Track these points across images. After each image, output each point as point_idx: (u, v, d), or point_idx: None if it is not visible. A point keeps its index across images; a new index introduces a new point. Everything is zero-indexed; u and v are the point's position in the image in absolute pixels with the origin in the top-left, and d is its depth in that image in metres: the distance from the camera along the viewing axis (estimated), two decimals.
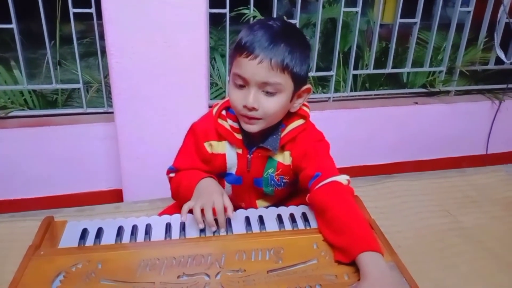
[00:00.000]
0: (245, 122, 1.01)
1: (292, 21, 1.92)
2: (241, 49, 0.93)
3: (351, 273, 0.81)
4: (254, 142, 1.06)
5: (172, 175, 1.14)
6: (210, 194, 0.97)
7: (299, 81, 0.98)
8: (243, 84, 0.96)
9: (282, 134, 1.06)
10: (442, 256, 1.63)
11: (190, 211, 0.94)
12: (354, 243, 0.82)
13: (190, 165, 1.10)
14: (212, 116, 1.09)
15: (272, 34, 0.93)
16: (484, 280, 1.51)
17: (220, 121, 1.08)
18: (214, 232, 0.94)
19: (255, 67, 0.92)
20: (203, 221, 0.92)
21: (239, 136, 1.07)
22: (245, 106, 0.96)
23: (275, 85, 0.95)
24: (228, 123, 1.07)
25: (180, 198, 1.08)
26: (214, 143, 1.09)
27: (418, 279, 0.81)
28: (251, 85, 0.94)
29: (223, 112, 1.09)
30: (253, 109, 0.96)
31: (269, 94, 0.96)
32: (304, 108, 1.08)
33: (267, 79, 0.93)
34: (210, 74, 2.18)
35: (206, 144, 1.09)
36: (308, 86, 1.02)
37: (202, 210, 0.92)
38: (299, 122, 1.07)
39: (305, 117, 1.07)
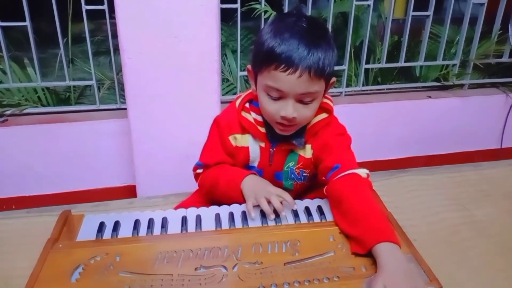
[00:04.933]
0: (280, 129, 1.01)
1: None
2: (276, 62, 0.90)
3: (368, 265, 0.81)
4: (277, 136, 1.05)
5: (199, 171, 1.14)
6: (265, 187, 1.00)
7: (330, 79, 0.98)
8: (280, 96, 0.94)
9: (307, 127, 1.06)
10: (456, 250, 1.62)
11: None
12: (370, 234, 0.82)
13: (217, 160, 1.10)
14: (235, 109, 1.08)
15: (306, 41, 0.89)
16: (497, 274, 1.50)
17: (243, 113, 1.07)
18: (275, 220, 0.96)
19: (294, 81, 0.90)
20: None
21: (262, 130, 1.07)
22: (283, 117, 0.96)
23: (314, 94, 0.94)
24: (252, 116, 1.07)
25: (217, 193, 1.08)
26: (238, 136, 1.09)
27: None
28: (289, 97, 0.93)
29: (247, 105, 1.08)
30: (293, 119, 0.96)
31: (306, 102, 0.95)
32: (328, 101, 1.07)
33: (307, 90, 0.92)
34: (222, 70, 2.18)
35: (230, 138, 1.09)
36: (334, 79, 1.01)
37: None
38: (322, 115, 1.06)
39: (329, 111, 1.07)
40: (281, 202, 0.96)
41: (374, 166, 2.24)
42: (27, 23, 1.73)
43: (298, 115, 0.95)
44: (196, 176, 1.16)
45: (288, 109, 0.94)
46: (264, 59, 0.93)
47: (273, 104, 0.96)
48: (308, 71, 0.89)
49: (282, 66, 0.89)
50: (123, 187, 2.01)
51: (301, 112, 0.96)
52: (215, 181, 1.08)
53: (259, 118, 1.06)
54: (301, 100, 0.94)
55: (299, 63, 0.88)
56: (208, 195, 1.13)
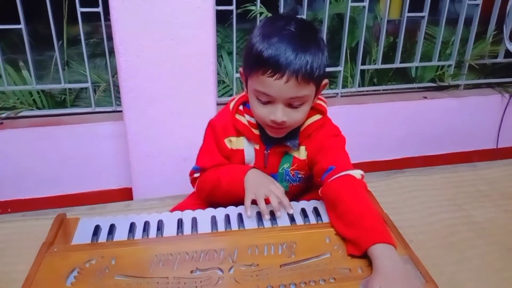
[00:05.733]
0: (271, 131, 1.01)
1: None
2: (264, 67, 0.89)
3: (364, 266, 0.81)
4: (271, 138, 1.05)
5: (197, 175, 1.13)
6: (267, 184, 0.99)
7: (320, 81, 0.97)
8: (269, 100, 0.94)
9: (301, 129, 1.06)
10: (454, 250, 1.62)
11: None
12: (366, 235, 0.82)
13: (215, 163, 1.10)
14: (229, 112, 1.08)
15: (294, 45, 0.88)
16: (497, 274, 1.50)
17: (237, 116, 1.07)
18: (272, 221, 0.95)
19: (281, 86, 0.90)
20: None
21: (256, 132, 1.06)
22: (273, 121, 0.95)
23: (303, 98, 0.94)
24: (245, 119, 1.07)
25: (219, 194, 1.07)
26: (233, 139, 1.09)
27: (430, 273, 0.80)
28: (278, 101, 0.93)
29: (240, 107, 1.08)
30: (283, 122, 0.95)
31: (296, 106, 0.95)
32: (321, 102, 1.07)
33: (295, 95, 0.92)
34: (217, 71, 2.18)
35: (226, 141, 1.09)
36: (326, 81, 1.01)
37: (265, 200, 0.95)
38: (316, 117, 1.06)
39: (323, 112, 1.07)
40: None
41: (371, 167, 2.24)
42: (22, 25, 1.72)
43: (288, 119, 0.95)
44: (193, 181, 1.16)
45: (277, 114, 0.94)
46: (252, 64, 0.92)
47: (262, 108, 0.96)
48: (295, 76, 0.88)
49: (269, 71, 0.89)
50: (119, 189, 2.00)
51: (291, 116, 0.95)
52: (216, 182, 1.07)
53: (253, 121, 1.06)
54: (290, 104, 0.94)
55: (286, 68, 0.88)
56: (209, 197, 1.13)
